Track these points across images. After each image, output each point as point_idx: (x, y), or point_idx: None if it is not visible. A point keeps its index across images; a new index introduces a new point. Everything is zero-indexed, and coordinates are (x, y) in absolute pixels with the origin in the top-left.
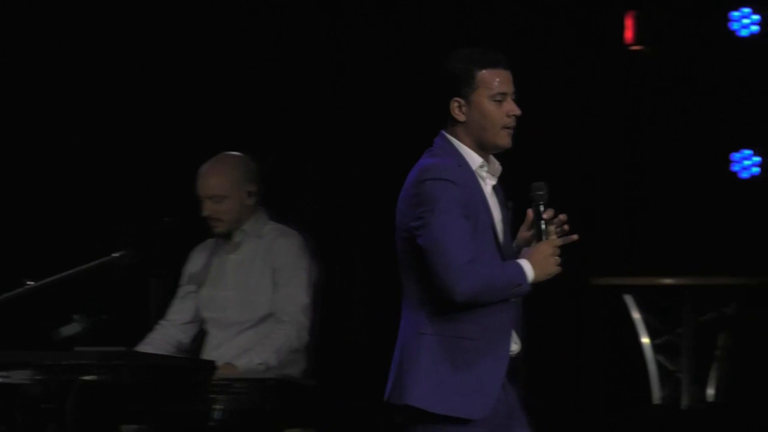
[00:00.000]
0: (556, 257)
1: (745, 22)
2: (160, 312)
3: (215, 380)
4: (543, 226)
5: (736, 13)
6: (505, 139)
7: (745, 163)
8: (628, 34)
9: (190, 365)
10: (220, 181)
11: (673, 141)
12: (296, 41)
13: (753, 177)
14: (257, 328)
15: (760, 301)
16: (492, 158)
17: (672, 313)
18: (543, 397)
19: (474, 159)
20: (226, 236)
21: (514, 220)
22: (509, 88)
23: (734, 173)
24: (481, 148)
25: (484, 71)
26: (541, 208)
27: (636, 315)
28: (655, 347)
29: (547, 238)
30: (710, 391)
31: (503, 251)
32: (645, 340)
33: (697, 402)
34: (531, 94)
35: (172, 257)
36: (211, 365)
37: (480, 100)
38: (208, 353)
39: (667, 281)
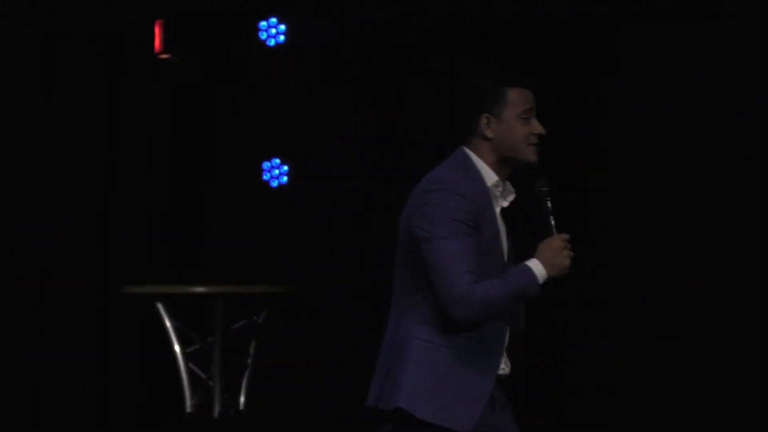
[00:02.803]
0: (568, 251)
1: (272, 32)
2: None
3: None
4: (551, 222)
5: (264, 23)
6: (533, 155)
7: (275, 172)
8: (156, 43)
9: None
10: None
11: (206, 150)
12: None
13: (282, 186)
14: None
15: (288, 308)
16: (508, 183)
17: (204, 321)
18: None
19: (490, 176)
20: None
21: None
22: (534, 106)
23: (265, 182)
24: (507, 165)
25: (514, 90)
26: (549, 203)
27: (168, 323)
28: (188, 355)
29: (555, 233)
30: (242, 399)
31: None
32: (177, 348)
33: (228, 409)
34: None
35: None
36: None
37: (509, 117)
38: None
39: (199, 290)
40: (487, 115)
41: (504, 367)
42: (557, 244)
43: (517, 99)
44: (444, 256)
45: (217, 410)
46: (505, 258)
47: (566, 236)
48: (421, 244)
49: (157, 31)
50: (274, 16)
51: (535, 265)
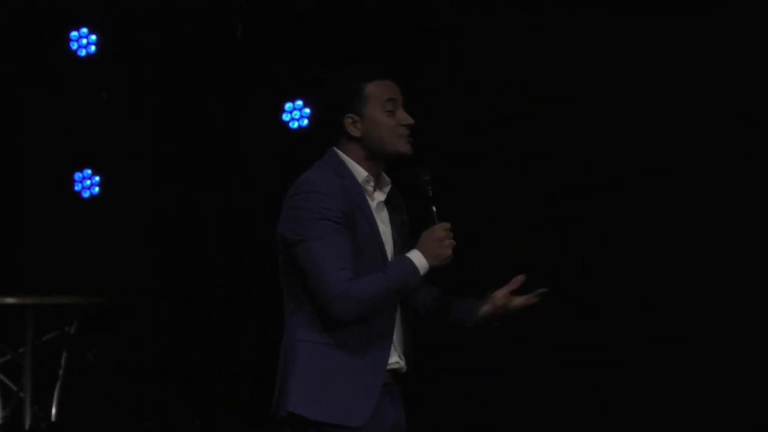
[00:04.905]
0: (449, 240)
1: (83, 42)
2: None
3: None
4: (434, 210)
5: (75, 33)
6: (405, 146)
7: (87, 183)
8: None
9: None
10: None
11: (17, 160)
12: None
13: (93, 196)
14: None
15: (99, 319)
16: (383, 175)
17: (14, 332)
18: None
19: (359, 172)
20: None
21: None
22: (399, 96)
23: (77, 193)
24: (379, 160)
25: (371, 84)
26: (430, 191)
27: None
28: None
29: (437, 222)
30: (53, 411)
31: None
32: None
33: (40, 422)
34: None
35: None
36: None
37: (372, 113)
38: None
39: (9, 300)
40: (350, 114)
41: (399, 362)
42: (438, 234)
43: (376, 93)
44: (317, 256)
45: (28, 422)
46: (390, 251)
47: (447, 225)
48: (294, 248)
49: None
50: (85, 27)
51: (416, 257)
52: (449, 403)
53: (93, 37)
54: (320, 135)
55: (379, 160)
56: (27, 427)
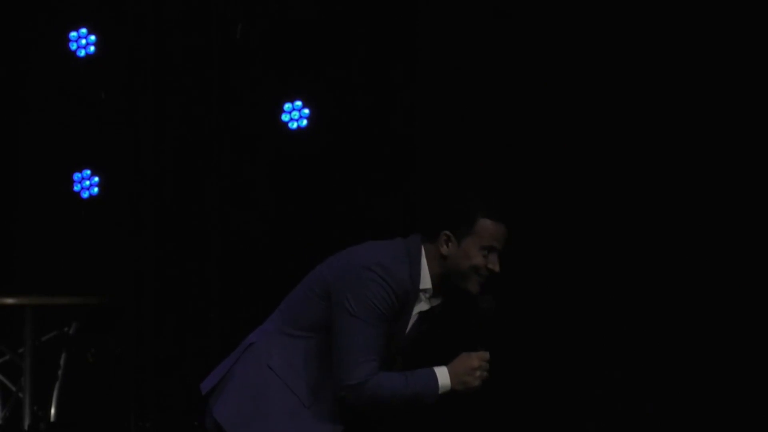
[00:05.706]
0: (483, 372)
1: (83, 42)
2: None
3: None
4: (482, 339)
5: (74, 34)
6: (475, 287)
7: (86, 183)
8: None
9: None
10: None
11: (16, 160)
12: None
13: (93, 197)
14: None
15: (98, 320)
16: (440, 291)
17: (13, 332)
18: None
19: (426, 283)
20: None
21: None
22: (500, 244)
23: (76, 193)
24: (448, 282)
25: (485, 220)
26: (487, 321)
27: None
28: None
29: (480, 350)
30: (53, 411)
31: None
32: None
33: (39, 422)
34: None
35: None
36: None
37: (470, 245)
38: None
39: (9, 301)
40: (448, 233)
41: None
42: (473, 363)
43: (484, 230)
44: (356, 338)
45: (27, 423)
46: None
47: (487, 355)
48: (339, 314)
49: None
50: (85, 27)
51: (442, 375)
52: (447, 402)
53: (93, 38)
54: (320, 134)
55: (447, 281)
56: (26, 427)
